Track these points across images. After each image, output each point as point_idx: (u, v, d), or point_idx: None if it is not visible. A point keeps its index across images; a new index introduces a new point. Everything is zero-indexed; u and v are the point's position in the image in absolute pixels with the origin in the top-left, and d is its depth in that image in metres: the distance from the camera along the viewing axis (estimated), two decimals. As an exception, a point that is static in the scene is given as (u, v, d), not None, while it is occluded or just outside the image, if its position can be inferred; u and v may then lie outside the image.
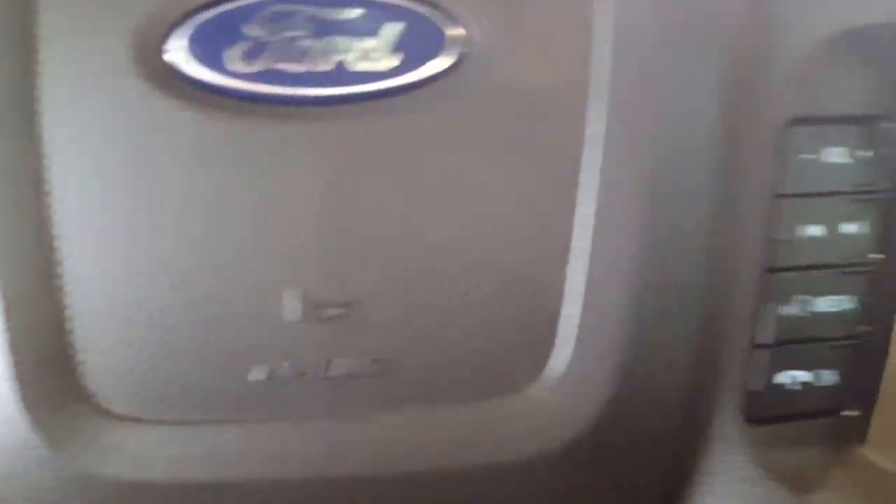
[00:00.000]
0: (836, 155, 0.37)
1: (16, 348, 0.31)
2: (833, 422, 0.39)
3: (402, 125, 0.32)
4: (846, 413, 0.39)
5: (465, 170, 0.33)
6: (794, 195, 0.37)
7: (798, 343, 0.37)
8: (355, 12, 0.32)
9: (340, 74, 0.32)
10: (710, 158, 0.35)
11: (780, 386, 0.37)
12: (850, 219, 0.37)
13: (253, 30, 0.32)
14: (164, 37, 0.31)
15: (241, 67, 0.32)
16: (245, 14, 0.32)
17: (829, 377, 0.38)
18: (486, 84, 0.32)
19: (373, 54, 0.32)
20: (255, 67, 0.32)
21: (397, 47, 0.32)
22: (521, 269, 0.33)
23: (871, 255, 0.38)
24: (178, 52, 0.32)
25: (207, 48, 0.32)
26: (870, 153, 0.38)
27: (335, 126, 0.32)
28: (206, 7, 0.32)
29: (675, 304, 0.35)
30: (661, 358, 0.35)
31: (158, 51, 0.31)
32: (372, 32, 0.32)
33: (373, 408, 0.33)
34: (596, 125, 0.33)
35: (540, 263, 0.34)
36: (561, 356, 0.34)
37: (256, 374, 0.32)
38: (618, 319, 0.34)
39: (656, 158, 0.33)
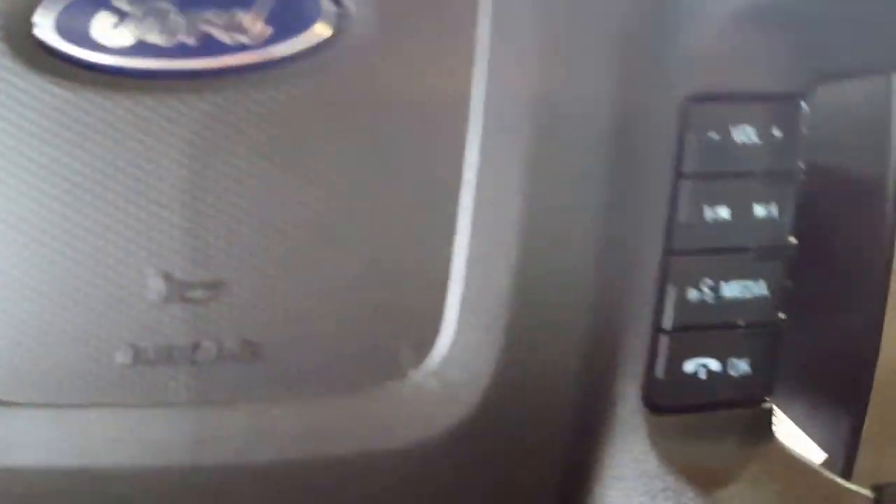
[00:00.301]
0: (745, 134, 0.36)
1: None
2: (747, 413, 0.37)
3: (273, 100, 0.31)
4: (761, 405, 0.37)
5: (338, 147, 0.32)
6: (699, 175, 0.36)
7: (706, 330, 0.36)
8: (226, -17, 0.31)
9: (209, 46, 0.32)
10: (602, 138, 0.34)
11: (688, 374, 0.36)
12: (761, 201, 0.36)
13: (120, 2, 0.31)
14: (33, 12, 0.31)
15: (109, 41, 0.31)
16: (113, -14, 0.31)
17: (740, 366, 0.36)
18: (362, 61, 0.32)
19: (244, 26, 0.31)
20: (123, 41, 0.31)
21: (269, 20, 0.32)
22: (402, 249, 0.32)
23: (787, 240, 0.36)
24: (46, 27, 0.31)
25: (75, 22, 0.31)
26: (781, 133, 0.36)
27: (203, 100, 0.31)
28: (74, -21, 0.31)
29: (564, 286, 0.34)
30: (553, 341, 0.34)
31: (28, 26, 0.31)
32: (243, 4, 0.31)
33: (244, 394, 0.32)
34: (478, 106, 0.32)
35: (422, 243, 0.33)
36: (446, 340, 0.33)
37: (122, 357, 0.32)
38: (502, 302, 0.33)
39: (542, 138, 0.33)
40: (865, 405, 0.53)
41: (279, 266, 0.31)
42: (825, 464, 0.53)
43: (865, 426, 0.54)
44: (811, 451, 0.54)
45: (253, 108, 0.31)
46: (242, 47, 0.32)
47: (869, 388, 0.58)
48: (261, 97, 0.31)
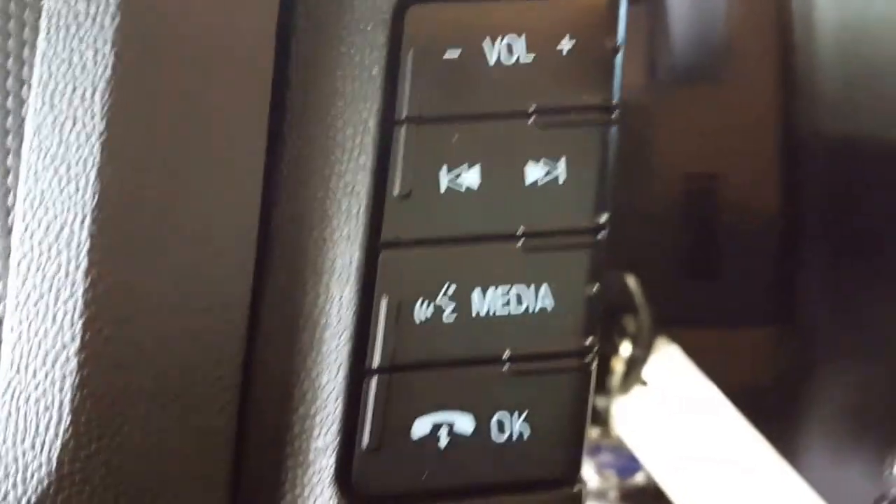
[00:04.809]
0: (507, 50, 0.25)
1: None
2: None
3: None
4: (560, 489, 0.26)
5: None
6: (428, 119, 0.24)
7: (445, 368, 0.24)
8: None
9: None
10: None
11: (417, 442, 0.25)
12: (536, 156, 0.25)
13: None
14: None
15: None
16: None
17: (513, 426, 0.25)
18: None
19: None
20: None
21: None
22: None
23: (591, 219, 0.25)
24: None
25: None
26: (573, 45, 0.25)
27: None
28: None
29: (180, 309, 0.23)
30: (160, 395, 0.23)
31: None
32: None
33: None
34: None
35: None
36: None
37: None
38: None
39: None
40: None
41: None
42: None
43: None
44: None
45: None
46: None
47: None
48: None
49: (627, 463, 0.53)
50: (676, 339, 0.53)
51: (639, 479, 0.54)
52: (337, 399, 0.25)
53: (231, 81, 0.24)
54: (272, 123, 0.24)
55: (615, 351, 0.49)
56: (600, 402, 0.50)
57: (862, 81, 0.56)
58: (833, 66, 0.57)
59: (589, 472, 0.54)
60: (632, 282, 0.49)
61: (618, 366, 0.49)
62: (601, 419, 0.50)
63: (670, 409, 0.48)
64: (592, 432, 0.51)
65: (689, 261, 0.58)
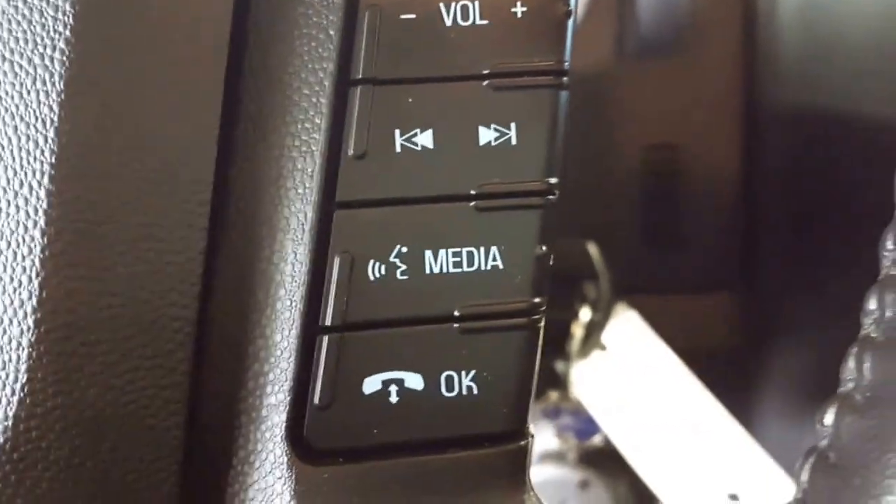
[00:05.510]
0: (463, 12, 0.25)
1: None
2: (481, 458, 0.26)
3: None
4: (507, 444, 0.26)
5: None
6: (384, 81, 0.25)
7: (396, 326, 0.25)
8: None
9: None
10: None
11: (368, 398, 0.25)
12: (490, 120, 0.25)
13: None
14: None
15: None
16: None
17: (461, 383, 0.26)
18: None
19: None
20: None
21: None
22: None
23: (542, 181, 0.25)
24: None
25: None
26: (527, 8, 0.25)
27: None
28: None
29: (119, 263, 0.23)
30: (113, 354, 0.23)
31: None
32: None
33: None
34: None
35: None
36: None
37: None
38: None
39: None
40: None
41: None
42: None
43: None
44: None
45: None
46: None
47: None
48: None
49: (586, 426, 0.54)
50: (636, 306, 0.53)
51: (597, 441, 0.54)
52: (290, 356, 0.25)
53: (189, 40, 0.24)
54: (230, 82, 0.25)
55: (575, 316, 0.49)
56: (560, 365, 0.50)
57: (823, 53, 0.57)
58: (795, 39, 0.57)
59: (548, 435, 0.55)
60: (592, 248, 0.50)
61: (577, 331, 0.49)
62: (561, 383, 0.51)
63: (628, 373, 0.49)
64: (552, 395, 0.52)
65: (651, 229, 0.59)
